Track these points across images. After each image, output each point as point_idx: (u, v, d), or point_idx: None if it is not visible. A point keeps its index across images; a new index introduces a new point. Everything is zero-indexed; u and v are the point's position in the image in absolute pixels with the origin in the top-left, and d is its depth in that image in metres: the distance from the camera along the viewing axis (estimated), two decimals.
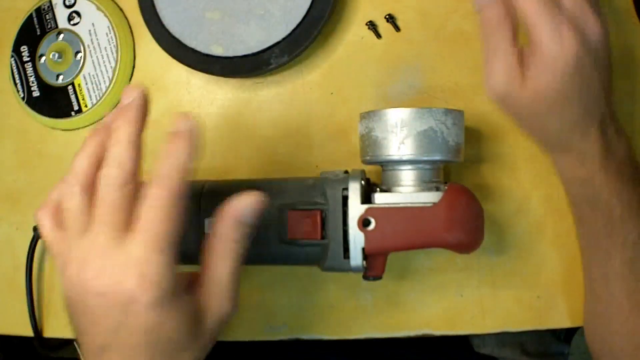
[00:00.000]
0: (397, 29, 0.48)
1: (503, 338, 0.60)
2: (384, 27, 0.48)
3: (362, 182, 0.39)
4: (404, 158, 0.38)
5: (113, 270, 0.29)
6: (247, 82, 0.50)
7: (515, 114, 0.38)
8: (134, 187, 0.30)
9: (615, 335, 0.40)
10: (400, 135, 0.38)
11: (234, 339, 0.47)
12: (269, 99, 0.49)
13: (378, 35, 0.48)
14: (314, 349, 0.59)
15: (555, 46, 0.34)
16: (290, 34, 0.46)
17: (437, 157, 0.39)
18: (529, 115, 0.38)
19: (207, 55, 0.47)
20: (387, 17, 0.48)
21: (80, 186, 0.31)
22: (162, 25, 0.48)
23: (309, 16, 0.46)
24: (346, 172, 0.41)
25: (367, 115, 0.40)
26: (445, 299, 0.45)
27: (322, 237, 0.39)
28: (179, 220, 0.30)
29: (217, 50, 0.47)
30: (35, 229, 0.49)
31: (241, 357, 0.61)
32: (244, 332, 0.47)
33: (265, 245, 0.40)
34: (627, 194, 0.38)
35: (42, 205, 0.33)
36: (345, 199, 0.39)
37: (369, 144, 0.40)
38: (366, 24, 0.48)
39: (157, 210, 0.29)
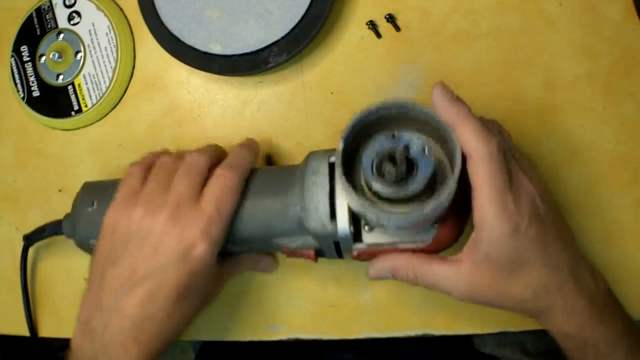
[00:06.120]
0: (397, 28, 0.48)
1: (503, 337, 0.60)
2: (384, 26, 0.48)
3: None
4: None
5: (186, 220, 0.37)
6: (247, 82, 0.50)
7: (492, 301, 0.37)
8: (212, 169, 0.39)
9: None
10: None
11: (234, 339, 0.47)
12: (268, 98, 0.49)
13: (378, 35, 0.48)
14: (314, 349, 0.59)
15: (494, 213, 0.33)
16: (289, 33, 0.46)
17: None
18: (499, 296, 0.36)
19: (206, 54, 0.47)
20: (387, 16, 0.48)
21: (177, 155, 0.40)
22: (161, 23, 0.48)
23: (308, 15, 0.46)
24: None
25: None
26: (445, 299, 0.45)
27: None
28: (236, 200, 0.38)
29: (216, 49, 0.47)
30: (25, 237, 0.48)
31: (241, 357, 0.61)
32: (244, 332, 0.47)
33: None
34: (611, 332, 0.36)
35: (137, 162, 0.41)
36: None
37: None
38: (366, 24, 0.48)
39: (224, 187, 0.38)
